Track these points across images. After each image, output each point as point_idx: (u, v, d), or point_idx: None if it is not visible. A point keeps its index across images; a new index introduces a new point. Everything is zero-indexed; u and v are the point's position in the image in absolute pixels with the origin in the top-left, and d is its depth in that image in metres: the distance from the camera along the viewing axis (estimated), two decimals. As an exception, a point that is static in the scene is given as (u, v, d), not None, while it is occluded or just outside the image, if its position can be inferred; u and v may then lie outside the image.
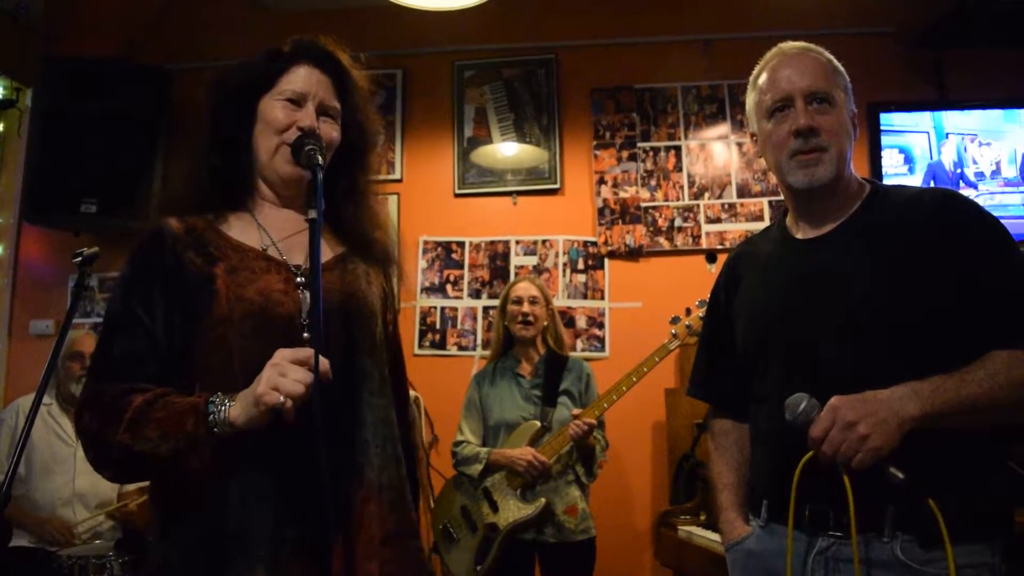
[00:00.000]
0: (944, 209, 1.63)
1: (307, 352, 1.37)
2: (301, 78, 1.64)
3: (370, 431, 1.58)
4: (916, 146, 4.42)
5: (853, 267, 1.66)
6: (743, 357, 1.84)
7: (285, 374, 1.36)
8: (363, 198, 1.75)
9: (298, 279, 1.58)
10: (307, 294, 1.55)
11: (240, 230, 1.62)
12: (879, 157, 4.44)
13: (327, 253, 1.66)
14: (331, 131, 1.65)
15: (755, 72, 1.84)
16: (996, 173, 4.38)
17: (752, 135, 1.87)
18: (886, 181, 4.22)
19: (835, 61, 1.79)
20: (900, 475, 1.43)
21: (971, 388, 1.48)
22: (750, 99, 1.85)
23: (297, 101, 1.62)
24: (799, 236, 1.81)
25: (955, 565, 1.43)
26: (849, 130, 1.74)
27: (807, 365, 1.64)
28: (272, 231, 1.63)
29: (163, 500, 1.53)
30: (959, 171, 4.39)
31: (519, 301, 3.59)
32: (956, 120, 4.42)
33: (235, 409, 1.39)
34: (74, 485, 3.60)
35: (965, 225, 1.60)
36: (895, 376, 1.50)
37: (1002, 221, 1.63)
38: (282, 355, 1.39)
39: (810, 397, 1.52)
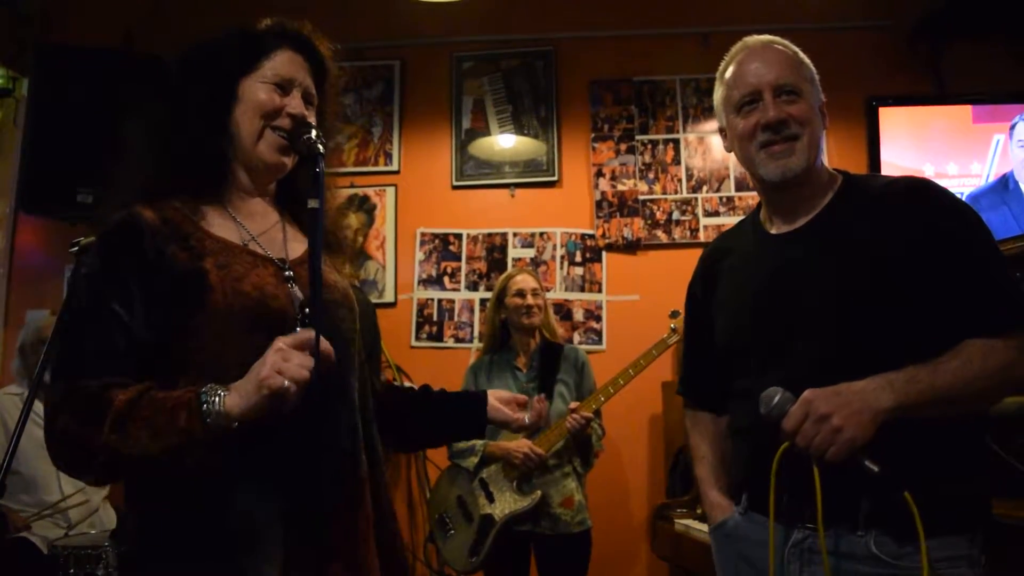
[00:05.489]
0: (916, 199, 1.63)
1: (307, 335, 1.35)
2: (287, 64, 1.60)
3: (357, 416, 1.59)
4: None
5: (827, 261, 1.65)
6: (722, 353, 1.84)
7: (289, 359, 1.32)
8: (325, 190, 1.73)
9: (287, 273, 1.55)
10: (295, 288, 1.54)
11: (218, 224, 1.56)
12: (878, 151, 4.44)
13: (299, 247, 1.63)
14: (312, 119, 1.62)
15: (721, 67, 1.83)
16: None
17: (722, 130, 1.86)
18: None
19: (800, 53, 1.78)
20: (875, 467, 1.42)
21: (945, 377, 1.48)
22: (718, 94, 1.84)
23: (283, 86, 1.58)
24: (773, 231, 1.80)
25: (931, 558, 1.43)
26: (819, 120, 1.74)
27: (783, 360, 1.64)
28: (247, 224, 1.60)
29: (148, 501, 1.46)
30: None
31: (522, 294, 3.59)
32: None
33: (231, 399, 1.33)
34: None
35: (937, 214, 1.60)
36: (870, 369, 1.50)
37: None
38: (283, 341, 1.35)
39: (784, 390, 1.51)
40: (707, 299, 1.94)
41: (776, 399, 1.51)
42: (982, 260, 1.57)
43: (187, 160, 1.55)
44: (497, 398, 1.84)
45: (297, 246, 1.63)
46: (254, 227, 1.60)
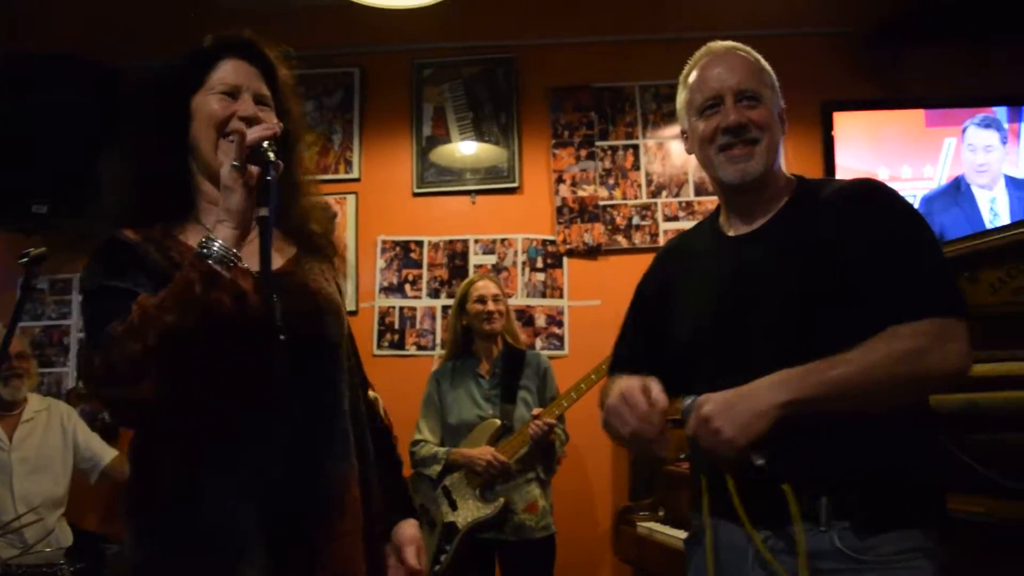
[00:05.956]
0: (861, 200, 1.66)
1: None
2: (231, 72, 1.61)
3: (348, 421, 1.62)
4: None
5: (783, 263, 1.68)
6: (680, 355, 1.85)
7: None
8: (301, 189, 1.73)
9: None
10: (274, 297, 1.53)
11: (194, 240, 1.55)
12: (832, 156, 4.51)
13: (282, 256, 1.66)
14: (272, 119, 1.61)
15: (685, 71, 1.86)
16: None
17: (684, 133, 1.89)
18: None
19: (762, 60, 1.81)
20: (759, 461, 1.47)
21: (845, 367, 1.48)
22: (681, 97, 1.87)
23: (232, 94, 1.59)
24: (731, 233, 1.82)
25: (890, 551, 1.50)
26: (778, 125, 1.77)
27: (738, 362, 1.65)
28: None
29: (138, 502, 1.50)
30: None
31: (483, 300, 3.59)
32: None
33: (221, 230, 1.41)
34: (12, 487, 3.54)
35: (878, 213, 1.62)
36: None
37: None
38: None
39: (696, 397, 1.55)
40: (660, 297, 1.93)
41: (687, 404, 1.56)
42: (919, 257, 1.59)
43: (157, 189, 1.59)
44: (399, 542, 1.77)
45: (278, 257, 1.64)
46: None
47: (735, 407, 1.49)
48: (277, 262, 1.61)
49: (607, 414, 1.65)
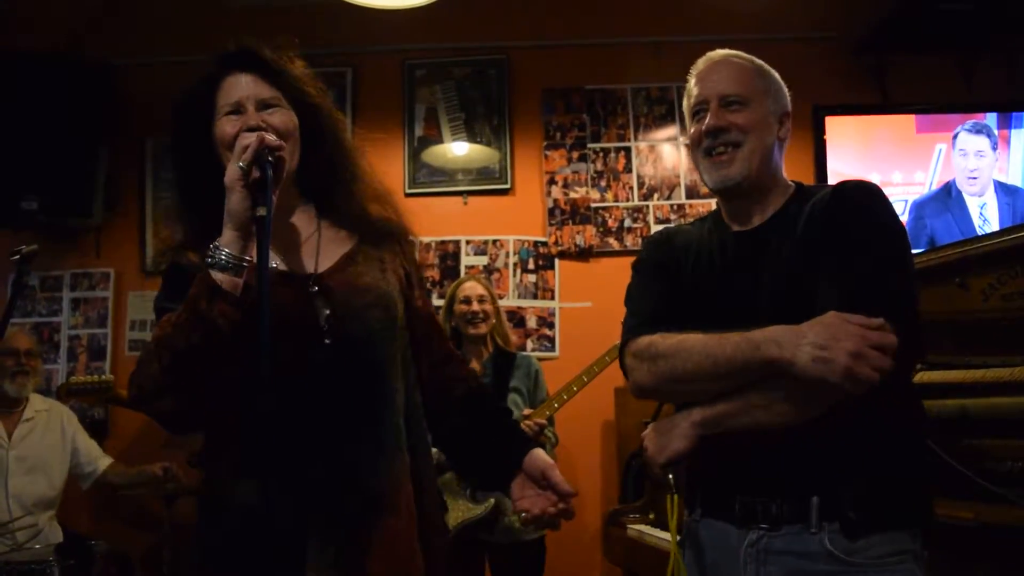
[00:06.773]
0: (841, 201, 1.66)
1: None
2: (231, 87, 1.62)
3: (400, 414, 1.62)
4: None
5: (771, 263, 1.68)
6: None
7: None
8: (350, 176, 1.74)
9: (313, 288, 1.58)
10: (319, 301, 1.57)
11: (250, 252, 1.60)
12: (824, 160, 4.52)
13: (336, 253, 1.67)
14: (285, 118, 1.62)
15: (688, 78, 1.88)
16: None
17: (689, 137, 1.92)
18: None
19: (764, 67, 1.83)
20: (669, 475, 1.67)
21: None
22: (684, 104, 1.90)
23: (237, 111, 1.60)
24: (732, 229, 1.83)
25: (879, 553, 1.51)
26: (771, 128, 1.78)
27: None
28: (278, 243, 1.62)
29: (197, 505, 1.58)
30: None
31: (468, 301, 3.59)
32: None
33: (224, 234, 1.44)
34: (7, 485, 3.52)
35: (846, 214, 1.63)
36: None
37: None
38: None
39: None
40: (666, 272, 1.86)
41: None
42: (858, 257, 1.57)
43: (209, 216, 1.60)
44: (539, 469, 1.73)
45: (332, 254, 1.67)
46: (285, 245, 1.64)
47: (660, 432, 1.68)
48: (330, 260, 1.65)
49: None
